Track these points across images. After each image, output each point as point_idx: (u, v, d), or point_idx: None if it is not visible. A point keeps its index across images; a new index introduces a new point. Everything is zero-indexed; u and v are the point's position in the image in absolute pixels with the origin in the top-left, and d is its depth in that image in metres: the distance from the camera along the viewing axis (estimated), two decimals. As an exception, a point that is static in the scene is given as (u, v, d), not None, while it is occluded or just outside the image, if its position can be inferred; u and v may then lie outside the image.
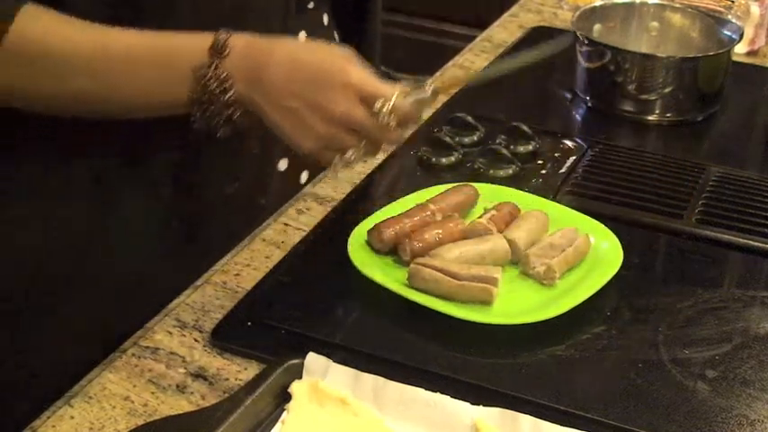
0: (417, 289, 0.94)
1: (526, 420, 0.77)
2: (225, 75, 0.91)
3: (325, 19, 1.17)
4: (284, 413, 0.79)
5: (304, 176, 1.19)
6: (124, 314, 0.97)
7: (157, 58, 0.94)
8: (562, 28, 1.66)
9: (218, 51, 0.91)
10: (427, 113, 1.35)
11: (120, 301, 1.02)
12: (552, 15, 1.77)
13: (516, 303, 0.95)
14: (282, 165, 1.15)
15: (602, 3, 1.48)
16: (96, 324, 1.01)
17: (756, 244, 1.08)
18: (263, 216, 1.11)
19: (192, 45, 0.92)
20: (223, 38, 0.91)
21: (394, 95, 0.92)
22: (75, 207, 1.02)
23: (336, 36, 1.20)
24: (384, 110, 0.91)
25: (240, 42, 0.92)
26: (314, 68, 0.92)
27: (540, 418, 0.78)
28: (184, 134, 0.96)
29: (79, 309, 1.03)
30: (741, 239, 1.08)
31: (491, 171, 1.18)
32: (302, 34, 1.10)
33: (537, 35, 1.64)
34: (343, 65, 0.93)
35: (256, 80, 0.91)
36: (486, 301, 0.93)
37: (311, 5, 1.13)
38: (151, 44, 0.94)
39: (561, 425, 0.78)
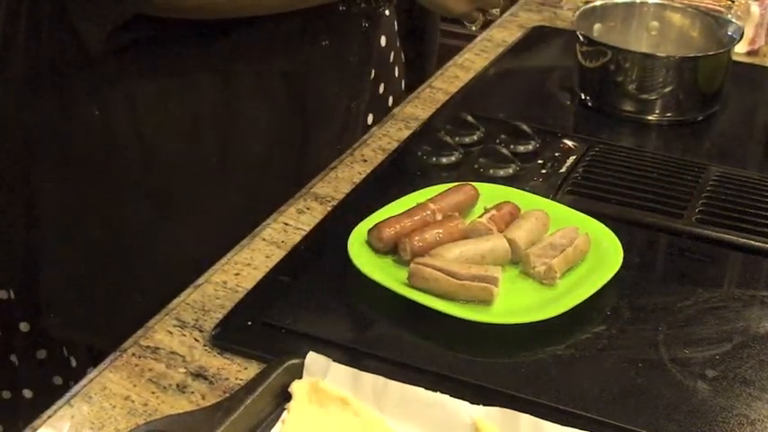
0: (417, 289, 0.94)
1: (526, 420, 0.77)
2: None
3: (395, 24, 1.34)
4: (284, 413, 0.79)
5: (381, 88, 1.36)
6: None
7: None
8: (562, 28, 1.66)
9: None
10: (427, 112, 1.35)
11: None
12: (552, 15, 1.77)
13: (516, 303, 0.95)
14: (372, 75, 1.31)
15: (602, 2, 1.48)
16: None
17: (756, 244, 1.08)
18: (358, 122, 1.29)
19: None
20: None
21: None
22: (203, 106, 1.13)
23: (398, 40, 1.39)
24: None
25: None
26: None
27: (540, 418, 0.78)
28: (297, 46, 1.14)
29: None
30: (741, 239, 1.08)
31: (491, 171, 1.18)
32: (383, 39, 1.30)
33: (537, 35, 1.65)
34: None
35: None
36: (486, 301, 0.93)
37: (387, 12, 1.29)
38: None
39: (561, 424, 0.78)
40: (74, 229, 1.14)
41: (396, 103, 1.37)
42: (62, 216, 1.13)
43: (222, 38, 1.10)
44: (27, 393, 1.18)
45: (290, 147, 1.20)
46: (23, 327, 1.17)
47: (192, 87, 1.12)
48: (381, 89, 1.34)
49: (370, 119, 1.33)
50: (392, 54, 1.36)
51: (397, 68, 1.41)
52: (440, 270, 0.93)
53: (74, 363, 1.16)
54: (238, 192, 1.17)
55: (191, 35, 1.08)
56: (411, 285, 0.94)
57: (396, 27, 1.39)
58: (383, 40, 1.31)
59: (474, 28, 1.23)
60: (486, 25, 1.55)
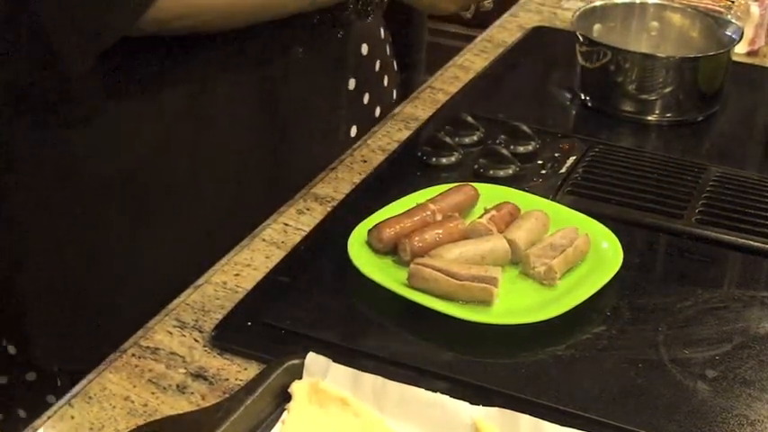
0: (417, 289, 0.94)
1: (526, 420, 0.77)
2: None
3: (382, 32, 1.30)
4: (284, 413, 0.79)
5: (366, 98, 1.32)
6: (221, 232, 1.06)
7: None
8: (562, 28, 1.66)
9: None
10: (427, 113, 1.35)
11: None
12: (552, 15, 1.77)
13: (516, 304, 0.95)
14: (351, 84, 1.27)
15: (601, 3, 1.48)
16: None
17: (756, 244, 1.08)
18: (338, 132, 1.26)
19: None
20: None
21: None
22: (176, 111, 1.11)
23: (388, 49, 1.34)
24: None
25: None
26: None
27: (540, 418, 0.78)
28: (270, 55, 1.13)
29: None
30: (741, 239, 1.08)
31: (491, 171, 1.18)
32: (365, 47, 1.25)
33: (537, 35, 1.65)
34: None
35: None
36: (486, 301, 0.93)
37: (370, 19, 1.24)
38: None
39: (561, 425, 0.78)
40: (52, 254, 1.12)
41: (383, 115, 1.35)
42: (40, 242, 1.12)
43: (194, 49, 1.09)
44: (21, 413, 1.17)
45: (266, 157, 1.18)
46: (11, 350, 1.16)
47: (163, 100, 1.10)
48: (366, 99, 1.31)
49: (353, 131, 1.30)
50: (378, 63, 1.34)
51: (386, 79, 1.38)
52: (440, 270, 0.93)
53: (59, 383, 1.14)
54: (215, 204, 1.16)
55: (161, 47, 1.07)
56: (411, 286, 0.94)
57: (383, 35, 1.36)
58: (365, 48, 1.28)
59: (468, 15, 1.23)
60: (481, 24, 1.56)
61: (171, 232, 1.13)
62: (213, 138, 1.14)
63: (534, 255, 0.98)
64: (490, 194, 1.10)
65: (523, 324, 0.91)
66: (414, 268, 0.94)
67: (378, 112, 1.34)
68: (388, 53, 1.38)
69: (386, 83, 1.38)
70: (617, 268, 0.98)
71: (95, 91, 1.06)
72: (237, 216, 1.09)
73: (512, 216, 1.05)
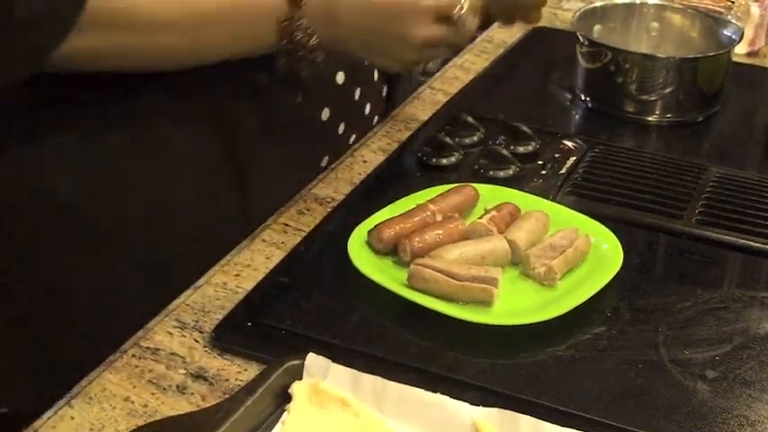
0: (417, 289, 0.94)
1: (526, 420, 0.77)
2: (306, 23, 0.98)
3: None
4: (284, 414, 0.79)
5: (341, 128, 1.24)
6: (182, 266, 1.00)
7: (243, 14, 1.00)
8: (562, 29, 1.66)
9: (295, 1, 0.98)
10: (427, 113, 1.35)
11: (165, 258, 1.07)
12: (552, 16, 1.77)
13: (516, 304, 0.95)
14: (325, 114, 1.20)
15: (602, 3, 1.48)
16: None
17: (756, 244, 1.08)
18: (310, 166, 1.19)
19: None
20: None
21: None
22: (114, 152, 1.05)
23: (375, 75, 1.28)
24: (463, 13, 0.98)
25: None
26: (381, 8, 0.99)
27: (540, 418, 0.78)
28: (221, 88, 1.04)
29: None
30: (741, 240, 1.08)
31: (491, 171, 1.18)
32: (340, 75, 1.18)
33: (537, 36, 1.65)
34: None
35: (333, 23, 0.99)
36: (486, 302, 0.93)
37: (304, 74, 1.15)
38: (233, 1, 1.00)
39: (561, 425, 0.78)
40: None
41: (356, 140, 1.27)
42: None
43: (138, 84, 1.02)
44: None
45: (229, 192, 1.11)
46: None
47: (106, 139, 1.04)
48: (341, 129, 1.23)
49: (324, 161, 1.21)
50: (358, 92, 1.24)
51: (368, 107, 1.28)
52: (440, 271, 0.93)
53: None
54: (173, 238, 1.08)
55: (101, 82, 1.01)
56: (411, 286, 0.94)
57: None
58: (340, 77, 1.19)
59: (419, 70, 1.16)
60: (482, 26, 1.54)
61: (128, 266, 1.07)
62: (166, 175, 1.07)
63: (534, 255, 0.98)
64: (490, 195, 1.10)
65: (523, 324, 0.91)
66: (414, 269, 0.94)
67: (353, 139, 1.26)
68: (376, 78, 1.29)
69: (367, 110, 1.28)
70: (617, 269, 0.98)
71: (31, 126, 1.01)
72: (200, 250, 1.02)
73: (512, 216, 1.05)
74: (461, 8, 0.97)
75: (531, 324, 0.91)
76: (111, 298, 1.07)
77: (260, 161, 1.11)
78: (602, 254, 1.01)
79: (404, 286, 0.94)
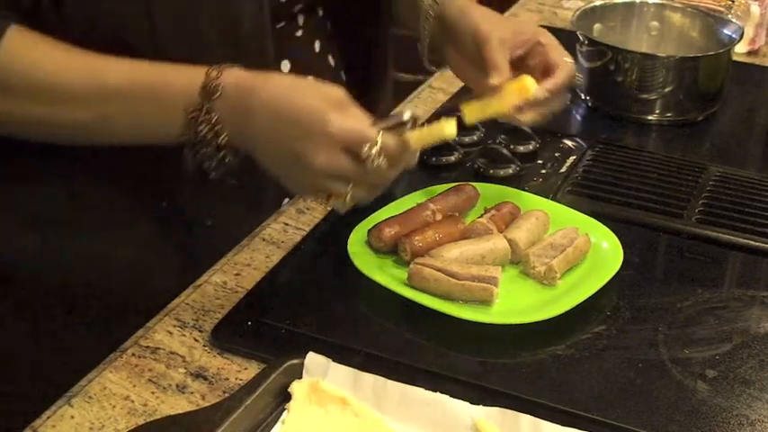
0: (417, 289, 0.94)
1: (526, 420, 0.77)
2: (216, 118, 0.88)
3: (317, 46, 1.13)
4: (284, 413, 0.79)
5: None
6: (125, 315, 0.97)
7: (152, 95, 0.91)
8: (562, 28, 1.66)
9: (209, 93, 0.88)
10: (427, 113, 1.35)
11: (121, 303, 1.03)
12: (552, 15, 1.77)
13: (516, 303, 0.95)
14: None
15: (602, 2, 1.48)
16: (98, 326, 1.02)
17: (756, 244, 1.08)
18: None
19: (185, 83, 0.89)
20: (214, 76, 0.88)
21: (379, 137, 0.86)
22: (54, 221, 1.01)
23: (332, 61, 1.16)
24: (372, 153, 0.85)
25: (230, 81, 0.88)
26: (294, 117, 0.87)
27: (540, 418, 0.78)
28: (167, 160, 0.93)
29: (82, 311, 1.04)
30: (741, 239, 1.08)
31: (491, 171, 1.18)
32: (285, 63, 1.08)
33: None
34: (323, 113, 0.86)
35: (243, 125, 0.88)
36: (486, 301, 0.93)
37: (299, 33, 1.10)
38: (146, 80, 0.91)
39: (561, 425, 0.78)
40: None
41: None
42: None
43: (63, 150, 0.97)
44: None
45: (175, 241, 1.06)
46: None
47: (34, 207, 1.02)
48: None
49: (285, 201, 1.14)
50: None
51: None
52: (440, 270, 0.93)
53: None
54: (117, 287, 1.04)
55: (28, 149, 0.97)
56: (411, 285, 0.94)
57: None
58: None
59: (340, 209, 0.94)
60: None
61: (73, 317, 1.04)
62: (106, 232, 1.03)
63: (534, 254, 0.98)
64: (490, 194, 1.10)
65: (523, 324, 0.91)
66: (414, 268, 0.94)
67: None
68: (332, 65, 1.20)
69: None
70: (617, 268, 0.98)
71: None
72: (148, 293, 0.99)
73: (512, 216, 1.05)
74: (371, 147, 0.85)
75: (531, 323, 0.91)
76: (67, 344, 1.04)
77: (208, 212, 1.05)
78: (602, 253, 1.01)
79: (404, 285, 0.94)
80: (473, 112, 1.01)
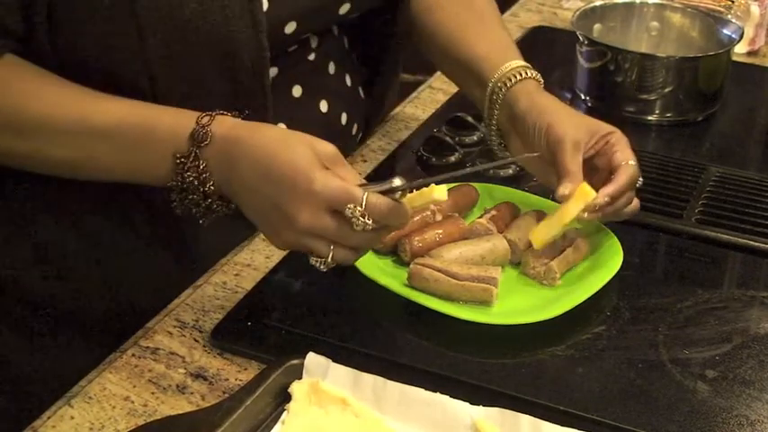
0: (417, 289, 0.94)
1: (526, 420, 0.77)
2: (204, 166, 0.87)
3: (332, 68, 1.12)
4: (284, 413, 0.79)
5: None
6: (125, 315, 0.97)
7: (139, 137, 0.90)
8: (562, 28, 1.66)
9: (198, 140, 0.87)
10: (427, 113, 1.35)
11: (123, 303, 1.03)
12: (552, 15, 1.77)
13: (516, 304, 0.95)
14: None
15: (602, 3, 1.48)
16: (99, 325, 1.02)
17: (756, 244, 1.08)
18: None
19: (174, 128, 0.88)
20: (205, 123, 0.87)
21: (364, 198, 0.83)
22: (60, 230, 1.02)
23: (349, 80, 1.15)
24: (356, 214, 0.83)
25: (221, 130, 0.87)
26: (280, 172, 0.85)
27: (540, 418, 0.78)
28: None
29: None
30: (741, 239, 1.08)
31: (491, 171, 1.18)
32: (297, 89, 1.07)
33: (537, 35, 1.65)
34: (309, 170, 0.84)
35: (229, 174, 0.87)
36: (486, 301, 0.93)
37: (312, 57, 1.09)
38: (135, 121, 0.90)
39: (561, 425, 0.78)
40: None
41: None
42: None
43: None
44: None
45: (167, 251, 1.04)
46: None
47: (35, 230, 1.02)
48: None
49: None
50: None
51: None
52: (440, 271, 0.93)
53: None
54: (110, 295, 1.04)
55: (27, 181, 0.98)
56: (411, 286, 0.94)
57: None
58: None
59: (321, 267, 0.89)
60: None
61: (73, 317, 1.04)
62: (105, 231, 1.03)
63: (534, 255, 0.98)
64: (490, 194, 1.10)
65: (523, 324, 0.91)
66: (414, 268, 0.94)
67: None
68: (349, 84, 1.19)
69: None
70: (617, 268, 0.98)
71: None
72: (148, 293, 0.99)
73: (512, 216, 1.05)
74: (356, 207, 0.82)
75: (530, 324, 0.91)
76: (62, 354, 1.04)
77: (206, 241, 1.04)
78: (602, 253, 1.01)
79: (404, 286, 0.94)
80: (540, 237, 0.97)
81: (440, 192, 0.86)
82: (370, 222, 0.83)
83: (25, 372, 1.05)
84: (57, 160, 0.92)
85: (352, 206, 0.83)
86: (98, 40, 0.90)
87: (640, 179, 1.02)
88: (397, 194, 0.85)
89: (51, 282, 1.03)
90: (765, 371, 0.89)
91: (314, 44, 1.08)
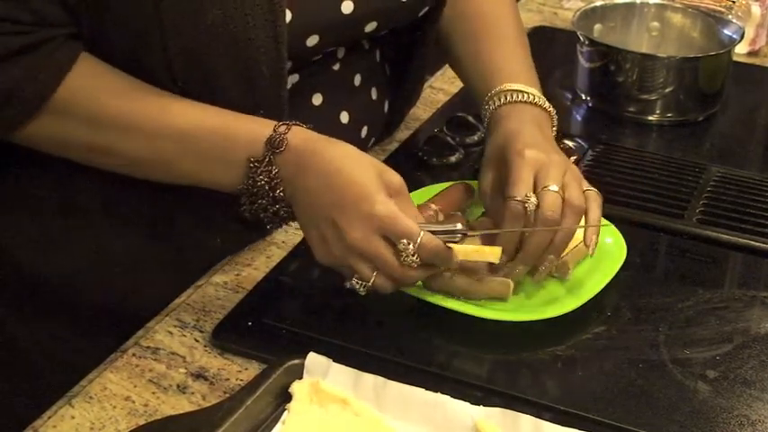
0: (431, 287, 0.93)
1: (526, 420, 0.77)
2: (276, 172, 0.89)
3: (357, 80, 1.12)
4: (285, 413, 0.79)
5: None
6: (125, 315, 0.97)
7: (216, 141, 0.91)
8: (563, 28, 1.66)
9: (274, 146, 0.89)
10: (428, 113, 1.35)
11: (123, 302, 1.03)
12: (553, 15, 1.77)
13: (519, 301, 0.94)
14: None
15: (602, 3, 1.48)
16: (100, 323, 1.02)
17: (757, 244, 1.08)
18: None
19: (251, 133, 0.90)
20: (282, 131, 0.89)
21: (419, 236, 0.85)
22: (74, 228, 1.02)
23: (374, 94, 1.15)
24: (408, 249, 0.85)
25: (296, 139, 0.89)
26: (345, 188, 0.87)
27: (540, 418, 0.78)
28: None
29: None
30: (742, 239, 1.08)
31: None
32: (317, 96, 1.07)
33: (537, 35, 1.64)
34: (374, 192, 0.86)
35: (296, 183, 0.89)
36: (503, 295, 0.93)
37: (336, 67, 1.09)
38: (212, 125, 0.91)
39: (562, 425, 0.78)
40: None
41: None
42: None
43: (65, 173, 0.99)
44: None
45: (162, 245, 1.04)
46: None
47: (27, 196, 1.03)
48: None
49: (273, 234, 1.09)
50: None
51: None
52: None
53: None
54: (108, 291, 1.05)
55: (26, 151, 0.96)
56: (426, 285, 0.94)
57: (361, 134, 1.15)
58: None
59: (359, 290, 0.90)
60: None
61: (73, 317, 1.05)
62: (93, 233, 1.03)
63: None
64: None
65: (523, 324, 0.91)
66: None
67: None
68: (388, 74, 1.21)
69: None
70: (621, 262, 0.97)
71: None
72: (148, 293, 0.99)
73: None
74: (410, 243, 0.84)
75: (530, 323, 0.91)
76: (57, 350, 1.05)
77: (193, 218, 1.04)
78: (605, 249, 1.00)
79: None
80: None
81: (495, 254, 0.88)
82: (417, 260, 0.86)
83: (25, 371, 1.05)
84: (127, 157, 0.93)
85: (405, 240, 0.85)
86: (123, 37, 0.91)
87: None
88: (458, 237, 0.87)
89: (51, 281, 1.03)
90: (766, 371, 0.89)
91: (340, 55, 1.08)
